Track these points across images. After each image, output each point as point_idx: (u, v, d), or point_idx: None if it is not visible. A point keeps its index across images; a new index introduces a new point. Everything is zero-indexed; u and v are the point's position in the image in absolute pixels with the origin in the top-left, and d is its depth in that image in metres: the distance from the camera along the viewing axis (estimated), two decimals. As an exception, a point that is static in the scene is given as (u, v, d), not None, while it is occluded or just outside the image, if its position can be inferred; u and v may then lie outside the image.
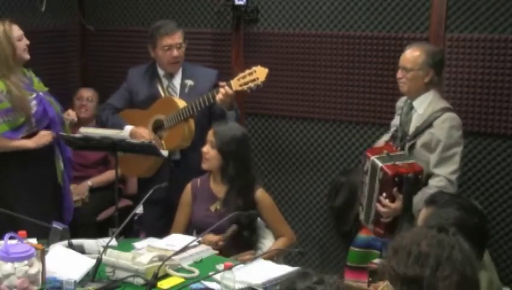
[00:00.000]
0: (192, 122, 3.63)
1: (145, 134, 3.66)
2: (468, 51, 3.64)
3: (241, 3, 4.15)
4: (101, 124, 3.87)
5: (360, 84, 3.98)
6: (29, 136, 3.50)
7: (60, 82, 3.91)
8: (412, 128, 3.23)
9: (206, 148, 3.18)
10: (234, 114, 3.57)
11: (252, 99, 4.31)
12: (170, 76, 3.76)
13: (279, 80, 4.22)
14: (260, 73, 3.40)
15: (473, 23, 3.63)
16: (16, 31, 3.50)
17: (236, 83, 3.43)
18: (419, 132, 3.17)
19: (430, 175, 3.14)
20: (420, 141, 3.16)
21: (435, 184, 3.06)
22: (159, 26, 3.71)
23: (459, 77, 3.68)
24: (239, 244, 3.11)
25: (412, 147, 3.18)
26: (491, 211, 3.71)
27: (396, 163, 3.03)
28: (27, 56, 3.53)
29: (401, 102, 3.44)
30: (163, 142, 3.67)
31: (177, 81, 3.76)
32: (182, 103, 3.62)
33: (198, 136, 3.63)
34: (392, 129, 3.41)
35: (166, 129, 3.68)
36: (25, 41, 3.52)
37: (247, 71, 3.42)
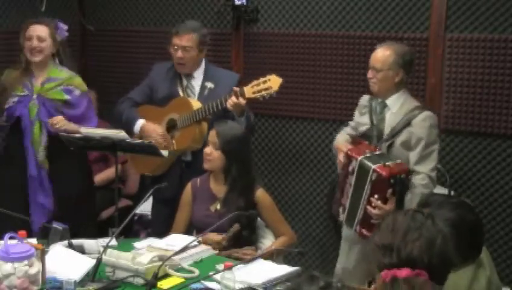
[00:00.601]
0: (205, 125, 3.60)
1: (155, 129, 3.65)
2: (468, 51, 3.64)
3: (241, 3, 4.15)
4: (117, 116, 3.83)
5: (360, 84, 3.98)
6: (3, 128, 3.60)
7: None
8: (387, 128, 3.21)
9: (209, 150, 3.18)
10: (245, 121, 3.51)
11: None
12: (190, 76, 3.74)
13: (279, 80, 4.22)
14: (274, 82, 3.35)
15: (473, 23, 3.63)
16: (29, 30, 3.58)
17: (249, 90, 3.39)
18: (398, 130, 3.16)
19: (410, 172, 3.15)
20: (399, 140, 3.16)
21: (419, 182, 3.06)
22: (177, 25, 3.72)
23: (459, 77, 3.69)
24: (239, 243, 3.10)
25: (390, 145, 3.18)
26: (491, 211, 3.71)
27: (387, 164, 3.01)
28: (31, 57, 3.59)
29: (364, 100, 3.38)
30: (174, 141, 3.67)
31: (196, 82, 3.73)
32: (196, 104, 3.60)
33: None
34: (364, 127, 3.32)
35: (179, 129, 3.66)
36: (33, 43, 3.57)
37: (262, 79, 3.38)
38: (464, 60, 3.66)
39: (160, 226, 3.75)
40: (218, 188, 3.23)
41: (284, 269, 2.67)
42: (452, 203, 2.33)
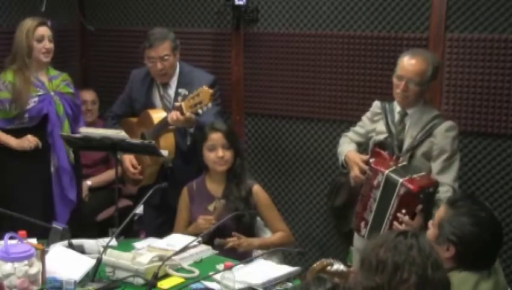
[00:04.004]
0: (168, 136, 3.57)
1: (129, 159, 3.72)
2: (468, 51, 3.64)
3: (241, 3, 4.14)
4: None
5: (360, 84, 3.98)
6: (19, 131, 3.58)
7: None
8: (407, 137, 3.12)
9: (221, 152, 3.17)
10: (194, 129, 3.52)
11: (252, 99, 4.31)
12: (166, 85, 3.70)
13: (279, 80, 4.22)
14: (204, 95, 3.26)
15: (473, 23, 3.63)
16: (39, 32, 3.58)
17: (186, 106, 3.33)
18: (419, 141, 3.08)
19: None
20: (420, 150, 3.08)
21: (444, 195, 2.94)
22: (147, 37, 3.64)
23: (459, 77, 3.68)
24: (239, 230, 3.11)
25: (411, 156, 3.09)
26: (491, 211, 3.71)
27: (413, 177, 2.89)
28: (43, 58, 3.61)
29: (376, 107, 3.28)
30: (148, 158, 3.67)
31: (172, 90, 3.69)
32: (157, 117, 3.58)
33: (188, 147, 3.62)
34: (381, 136, 3.21)
35: None
36: (46, 45, 3.59)
37: (195, 93, 3.32)
38: (464, 60, 3.66)
39: (148, 228, 3.82)
40: (215, 188, 3.26)
41: (284, 269, 2.68)
42: (475, 216, 2.23)
